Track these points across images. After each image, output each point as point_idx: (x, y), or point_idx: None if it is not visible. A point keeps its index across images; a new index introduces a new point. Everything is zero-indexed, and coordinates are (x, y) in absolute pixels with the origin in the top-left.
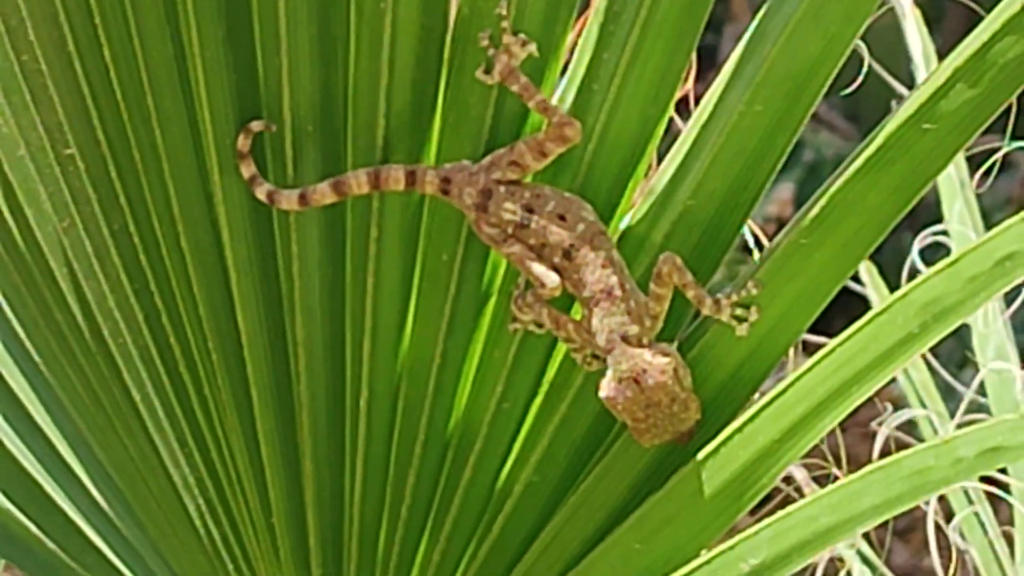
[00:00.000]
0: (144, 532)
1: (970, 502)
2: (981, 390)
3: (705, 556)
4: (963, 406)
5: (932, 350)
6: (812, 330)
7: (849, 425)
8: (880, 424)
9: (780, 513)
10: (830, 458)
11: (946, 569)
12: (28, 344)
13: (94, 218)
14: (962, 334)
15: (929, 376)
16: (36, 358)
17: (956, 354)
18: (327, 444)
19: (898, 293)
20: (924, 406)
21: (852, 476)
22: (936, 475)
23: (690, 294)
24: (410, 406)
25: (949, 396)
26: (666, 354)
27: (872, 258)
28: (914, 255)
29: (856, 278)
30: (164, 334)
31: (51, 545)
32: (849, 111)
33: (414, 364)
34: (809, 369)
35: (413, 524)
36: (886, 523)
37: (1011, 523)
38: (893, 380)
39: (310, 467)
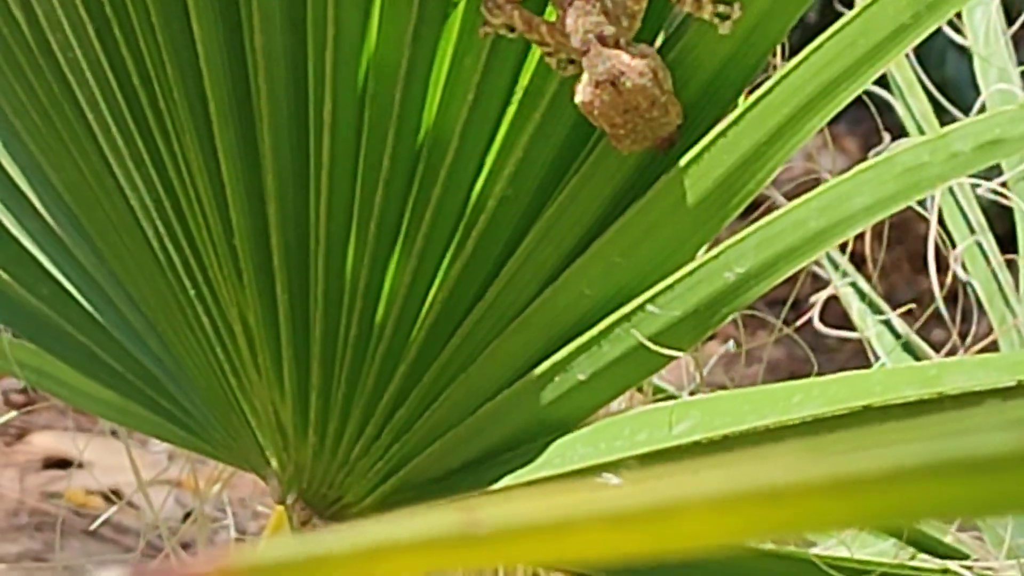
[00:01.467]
0: (102, 260)
1: (971, 231)
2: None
3: (688, 267)
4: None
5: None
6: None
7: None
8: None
9: (767, 218)
10: (818, 163)
11: (945, 300)
12: None
13: None
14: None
15: (928, 105)
16: None
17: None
18: (290, 160)
19: None
20: (921, 132)
21: (842, 176)
22: (931, 171)
23: None
24: (376, 118)
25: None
26: (645, 55)
27: None
28: None
29: None
30: (116, 46)
31: (4, 276)
32: None
33: (380, 73)
34: (796, 67)
35: (382, 243)
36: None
37: (1014, 251)
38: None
39: (273, 184)
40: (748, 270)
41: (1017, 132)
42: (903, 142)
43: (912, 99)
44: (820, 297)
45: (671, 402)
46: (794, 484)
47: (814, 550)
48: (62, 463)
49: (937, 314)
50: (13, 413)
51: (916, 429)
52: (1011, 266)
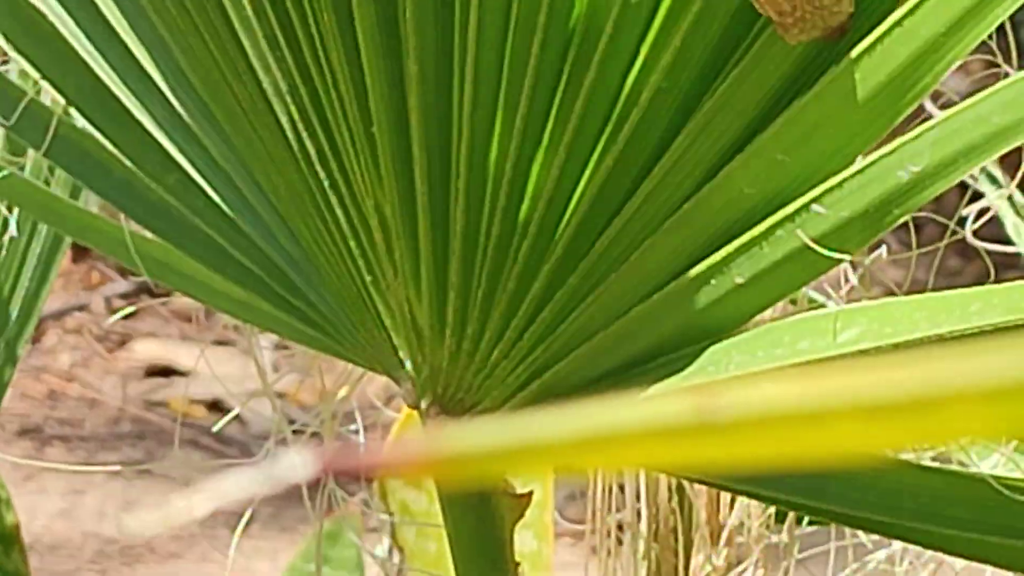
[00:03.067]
0: (231, 147)
1: None
2: None
3: (859, 164)
4: None
5: None
6: None
7: None
8: None
9: (944, 113)
10: (998, 55)
11: None
12: None
13: None
14: None
15: None
16: None
17: None
18: (434, 42)
19: None
20: None
21: None
22: None
23: None
24: (527, 1)
25: None
26: None
27: None
28: None
29: None
30: None
31: (128, 163)
32: None
33: None
34: None
35: (529, 135)
36: None
37: None
38: None
39: (415, 68)
40: (924, 169)
41: None
42: None
43: None
44: (972, 209)
45: (835, 307)
46: None
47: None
48: (164, 371)
49: None
50: (117, 316)
51: None
52: None
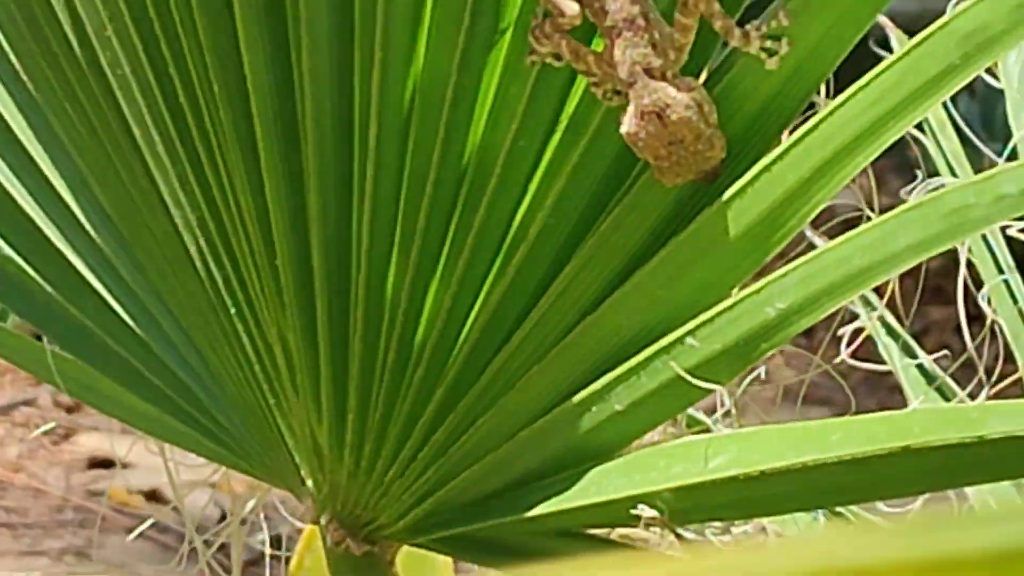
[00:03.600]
0: (144, 275)
1: (1000, 271)
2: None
3: (729, 301)
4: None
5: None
6: None
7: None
8: (910, 192)
9: (809, 255)
10: (860, 198)
11: (974, 338)
12: (24, 77)
13: None
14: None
15: (959, 145)
16: (32, 92)
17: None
18: (334, 181)
19: (939, 22)
20: (951, 171)
21: (888, 215)
22: (977, 213)
23: (717, 25)
24: (421, 142)
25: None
26: (691, 88)
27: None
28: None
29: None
30: (164, 63)
31: (49, 290)
32: None
33: (426, 97)
34: (842, 103)
35: (423, 267)
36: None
37: None
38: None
39: (316, 205)
40: (790, 306)
41: None
42: (936, 181)
43: (943, 138)
44: (847, 330)
45: (707, 435)
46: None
47: None
48: (106, 463)
49: (957, 345)
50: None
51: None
52: None
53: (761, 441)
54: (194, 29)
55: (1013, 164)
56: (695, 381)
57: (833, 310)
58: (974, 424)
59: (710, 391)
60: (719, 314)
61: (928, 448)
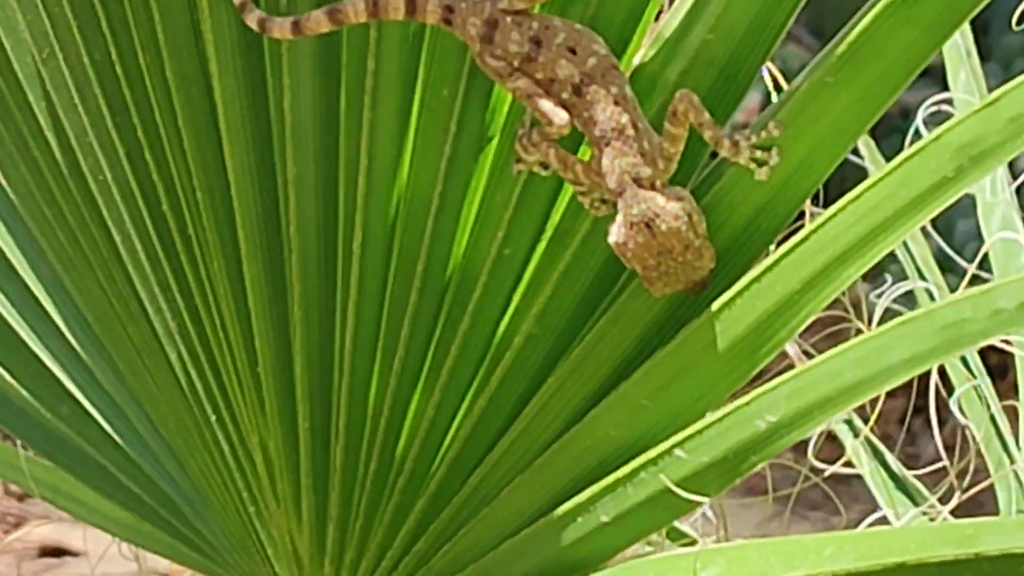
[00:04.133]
0: (123, 381)
1: (972, 376)
2: (983, 265)
3: (718, 413)
4: (966, 279)
5: (932, 223)
6: None
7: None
8: (879, 296)
9: (801, 367)
10: (850, 310)
11: (946, 445)
12: (3, 181)
13: (75, 47)
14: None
15: (928, 250)
16: (12, 196)
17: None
18: (317, 289)
19: (932, 135)
20: (921, 277)
21: (881, 328)
22: (973, 328)
23: (707, 135)
24: (406, 251)
25: (949, 270)
26: (680, 198)
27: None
28: (918, 123)
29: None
30: (147, 171)
31: (25, 394)
32: (814, 25)
33: (411, 206)
34: (833, 216)
35: (406, 376)
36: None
37: (1015, 396)
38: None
39: (299, 313)
40: (780, 419)
41: None
42: (906, 285)
43: (912, 243)
44: (815, 431)
45: (697, 548)
46: None
47: None
48: (57, 552)
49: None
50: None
51: None
52: (1009, 412)
53: (751, 555)
54: (178, 136)
55: (1010, 278)
56: (683, 493)
57: (824, 424)
58: (969, 541)
59: (698, 504)
60: (708, 426)
61: (923, 564)
